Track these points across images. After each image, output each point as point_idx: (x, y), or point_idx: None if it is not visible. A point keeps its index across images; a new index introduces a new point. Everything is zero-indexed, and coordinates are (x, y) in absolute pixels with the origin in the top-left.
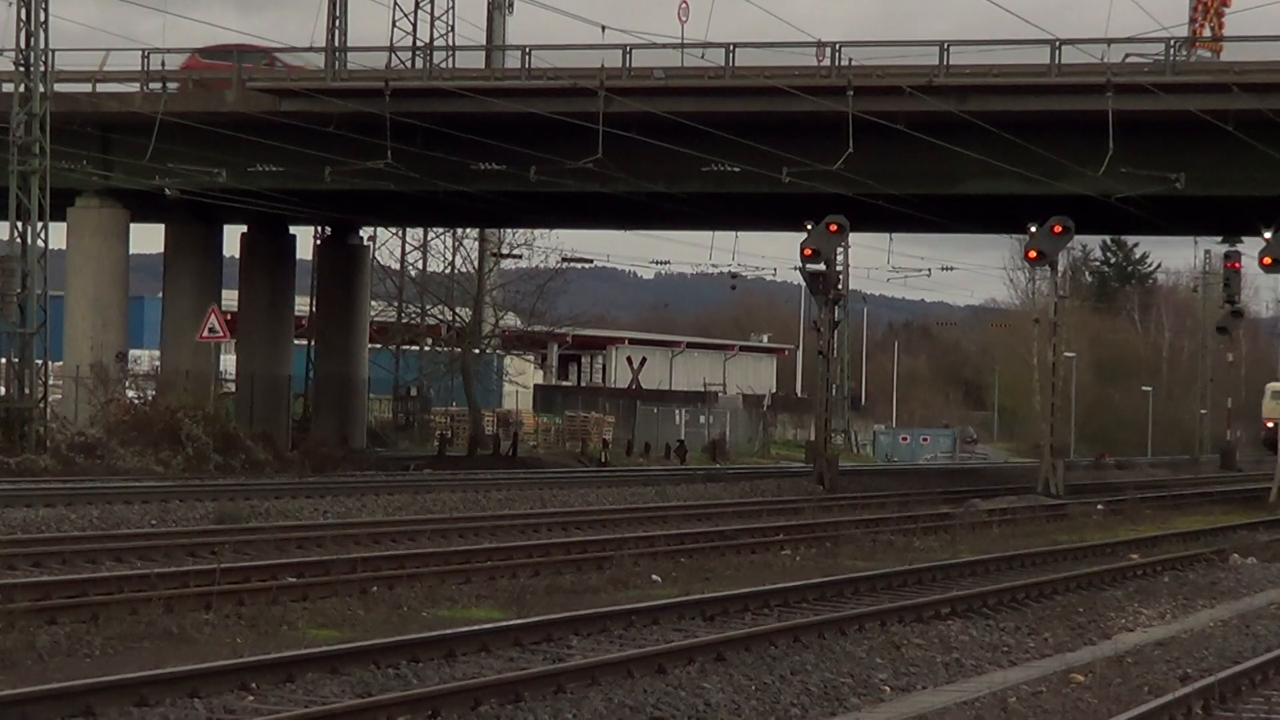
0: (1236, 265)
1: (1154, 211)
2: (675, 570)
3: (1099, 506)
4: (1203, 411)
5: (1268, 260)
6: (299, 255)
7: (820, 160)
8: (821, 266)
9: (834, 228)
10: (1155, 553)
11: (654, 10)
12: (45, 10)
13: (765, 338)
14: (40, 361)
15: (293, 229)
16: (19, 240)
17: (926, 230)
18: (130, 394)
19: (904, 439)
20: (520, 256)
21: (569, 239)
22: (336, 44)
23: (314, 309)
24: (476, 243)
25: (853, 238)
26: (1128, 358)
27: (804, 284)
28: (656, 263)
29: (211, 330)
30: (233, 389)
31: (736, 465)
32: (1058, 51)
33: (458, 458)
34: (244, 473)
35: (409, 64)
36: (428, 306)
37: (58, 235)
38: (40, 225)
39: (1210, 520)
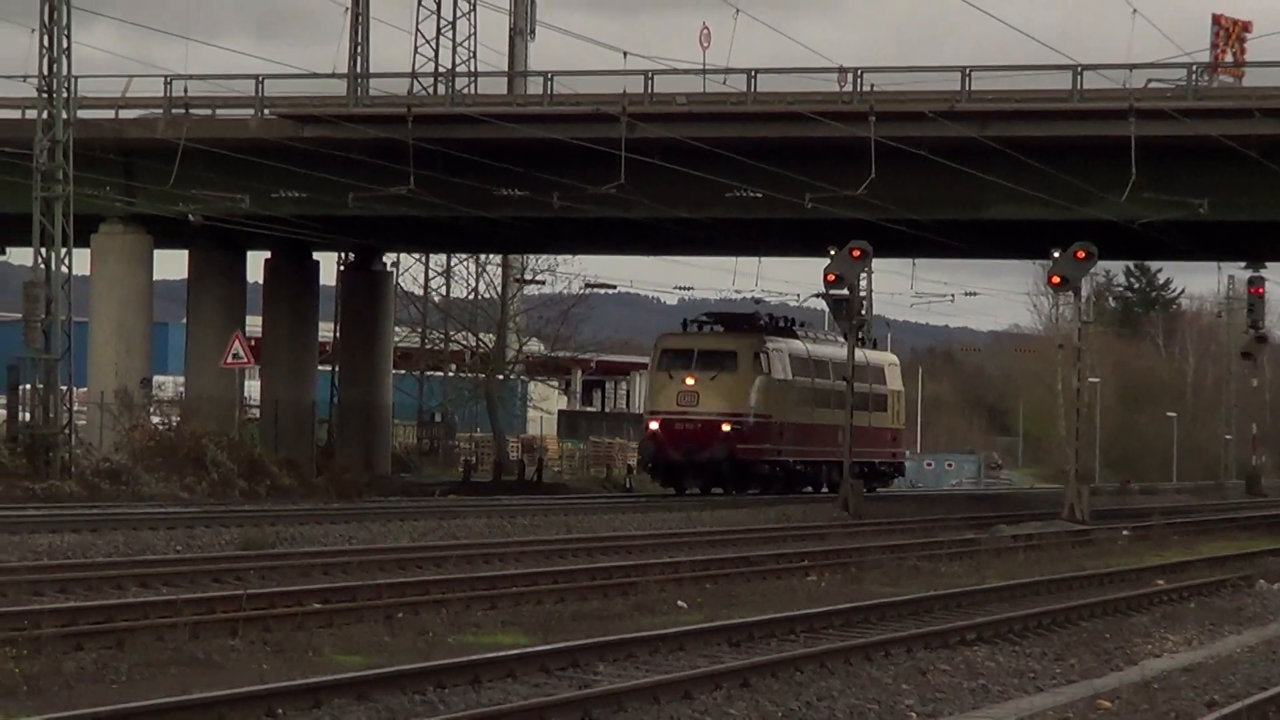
0: (1260, 291)
1: (1177, 237)
2: (701, 596)
3: (1124, 532)
4: (1227, 437)
5: None
6: (322, 281)
7: (843, 185)
8: (845, 292)
9: (857, 253)
10: (1181, 578)
11: (676, 36)
12: (68, 37)
13: None
14: (65, 388)
15: (316, 255)
16: (43, 266)
17: (949, 255)
18: (155, 420)
19: (929, 465)
20: (543, 282)
21: (592, 265)
22: (359, 70)
23: (338, 335)
24: (500, 268)
25: (876, 263)
26: (1152, 383)
27: (827, 309)
28: (680, 288)
29: (236, 356)
30: (257, 415)
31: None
32: (1080, 77)
33: (482, 483)
34: (269, 499)
35: (431, 90)
36: (451, 332)
37: (81, 261)
38: (64, 251)
39: (1236, 546)
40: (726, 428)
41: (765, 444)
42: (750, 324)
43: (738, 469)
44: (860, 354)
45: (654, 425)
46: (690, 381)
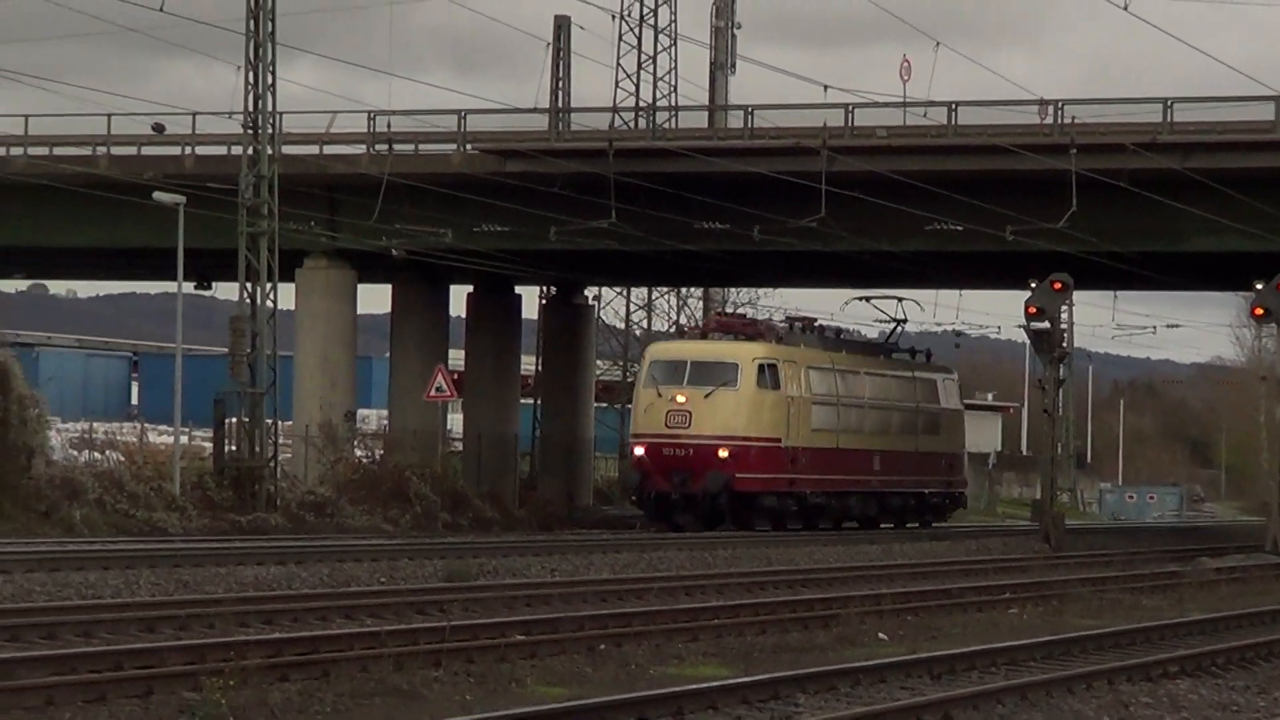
0: None
1: None
2: (902, 628)
3: None
4: None
5: None
6: (524, 314)
7: (1043, 218)
8: (1046, 324)
9: (1058, 285)
10: None
11: (876, 69)
12: (273, 74)
13: (990, 395)
14: (270, 421)
15: (518, 288)
16: (248, 301)
17: (1151, 288)
18: (359, 453)
19: (1130, 497)
20: (745, 315)
21: (793, 298)
22: (560, 105)
23: (539, 368)
24: (701, 302)
25: (1076, 295)
26: None
27: (1028, 342)
28: (880, 321)
29: (438, 389)
30: (460, 448)
31: (962, 523)
32: None
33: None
34: (472, 531)
35: (632, 124)
36: None
37: (286, 296)
38: (269, 286)
39: None
40: (724, 453)
41: (772, 473)
42: (758, 331)
43: (738, 502)
44: (907, 369)
45: (639, 450)
46: (681, 399)
